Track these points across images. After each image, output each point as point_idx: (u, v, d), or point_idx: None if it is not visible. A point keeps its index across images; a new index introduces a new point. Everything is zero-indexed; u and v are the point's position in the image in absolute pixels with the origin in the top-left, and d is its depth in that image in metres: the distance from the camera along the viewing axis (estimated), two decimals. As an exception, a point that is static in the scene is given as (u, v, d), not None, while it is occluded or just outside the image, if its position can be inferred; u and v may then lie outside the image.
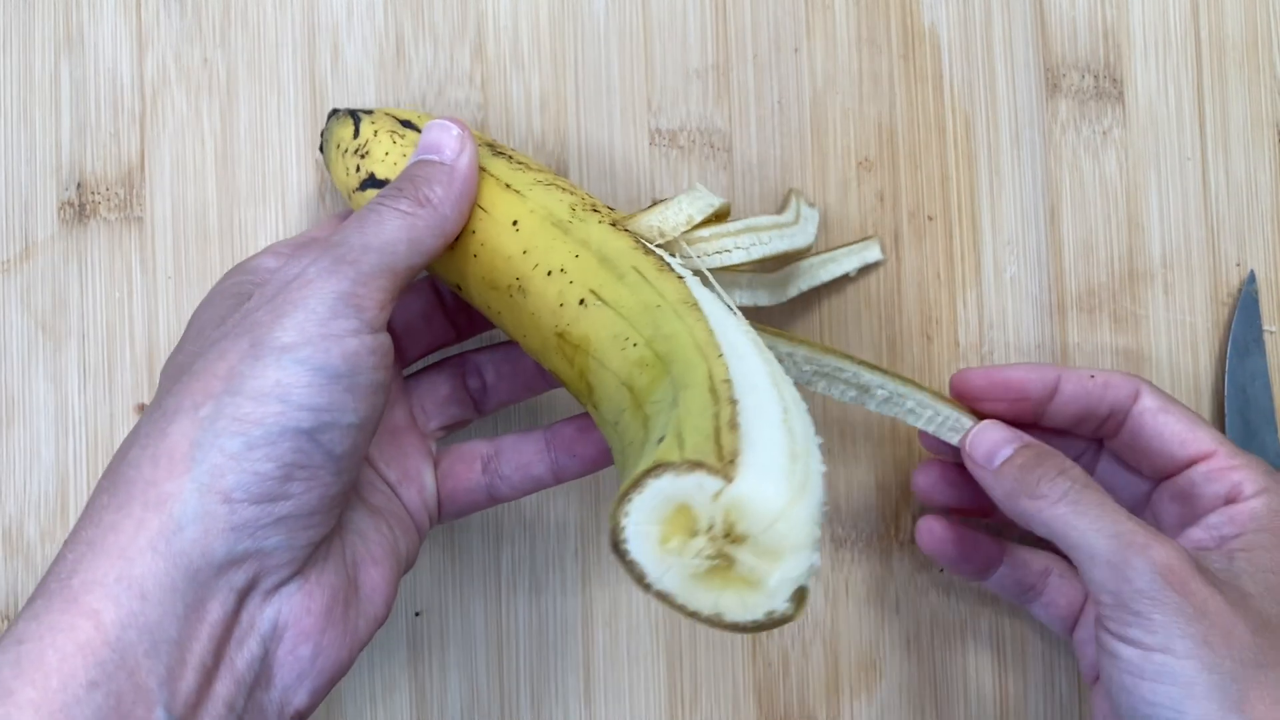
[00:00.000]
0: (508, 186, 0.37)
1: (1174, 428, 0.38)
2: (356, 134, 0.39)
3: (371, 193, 0.38)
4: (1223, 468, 0.37)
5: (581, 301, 0.34)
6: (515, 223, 0.36)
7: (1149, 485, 0.40)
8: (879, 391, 0.38)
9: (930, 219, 0.45)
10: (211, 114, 0.45)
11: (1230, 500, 0.37)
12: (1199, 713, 0.32)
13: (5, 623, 0.44)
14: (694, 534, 0.25)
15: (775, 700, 0.44)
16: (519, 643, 0.44)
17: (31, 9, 0.45)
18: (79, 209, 0.45)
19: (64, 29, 0.45)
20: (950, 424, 0.39)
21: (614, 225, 0.36)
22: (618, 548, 0.25)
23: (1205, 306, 0.45)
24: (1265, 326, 0.45)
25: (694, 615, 0.26)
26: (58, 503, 0.44)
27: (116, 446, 0.44)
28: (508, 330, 0.37)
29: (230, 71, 0.45)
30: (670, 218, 0.37)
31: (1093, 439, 0.41)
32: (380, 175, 0.38)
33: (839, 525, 0.44)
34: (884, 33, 0.45)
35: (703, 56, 0.45)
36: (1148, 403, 0.38)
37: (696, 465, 0.25)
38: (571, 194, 0.37)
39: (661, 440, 0.26)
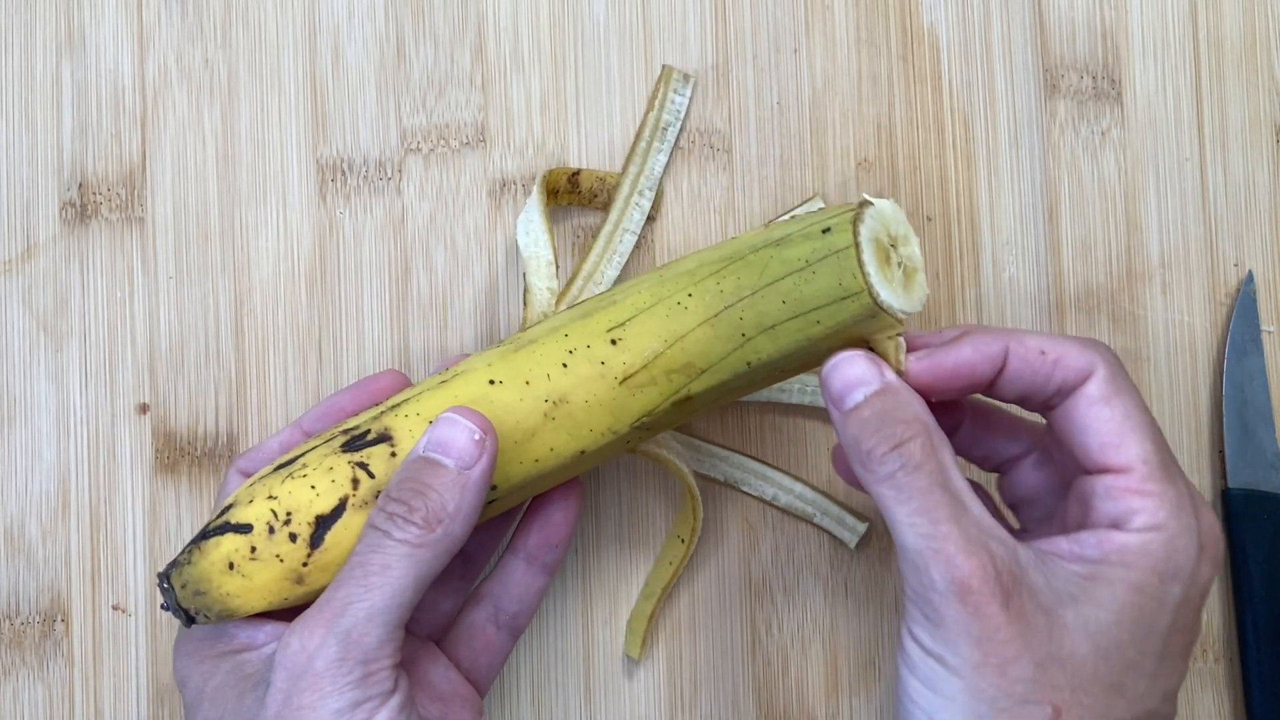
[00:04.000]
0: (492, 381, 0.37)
1: (1102, 427, 0.33)
2: (244, 529, 0.35)
3: (338, 538, 0.35)
4: (1127, 489, 0.33)
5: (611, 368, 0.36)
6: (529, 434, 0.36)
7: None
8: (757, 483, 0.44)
9: (929, 219, 0.45)
10: (212, 114, 0.45)
11: (1113, 526, 0.33)
12: None
13: (6, 623, 0.44)
14: (889, 253, 0.34)
15: (775, 699, 0.44)
16: (519, 643, 0.44)
17: (33, 10, 0.45)
18: (80, 209, 0.45)
19: (65, 30, 0.45)
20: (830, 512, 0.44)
21: (519, 350, 0.37)
22: (876, 299, 0.33)
23: (1203, 307, 0.45)
24: (1263, 326, 0.45)
25: (902, 315, 0.34)
26: (59, 502, 0.44)
27: (116, 446, 0.44)
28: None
29: (231, 72, 0.45)
30: (539, 306, 0.40)
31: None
32: (328, 510, 0.35)
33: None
34: (883, 34, 0.45)
35: (702, 57, 0.45)
36: (1091, 390, 0.33)
37: (865, 203, 0.34)
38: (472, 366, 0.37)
39: (827, 231, 0.34)
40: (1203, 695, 0.44)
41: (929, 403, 0.34)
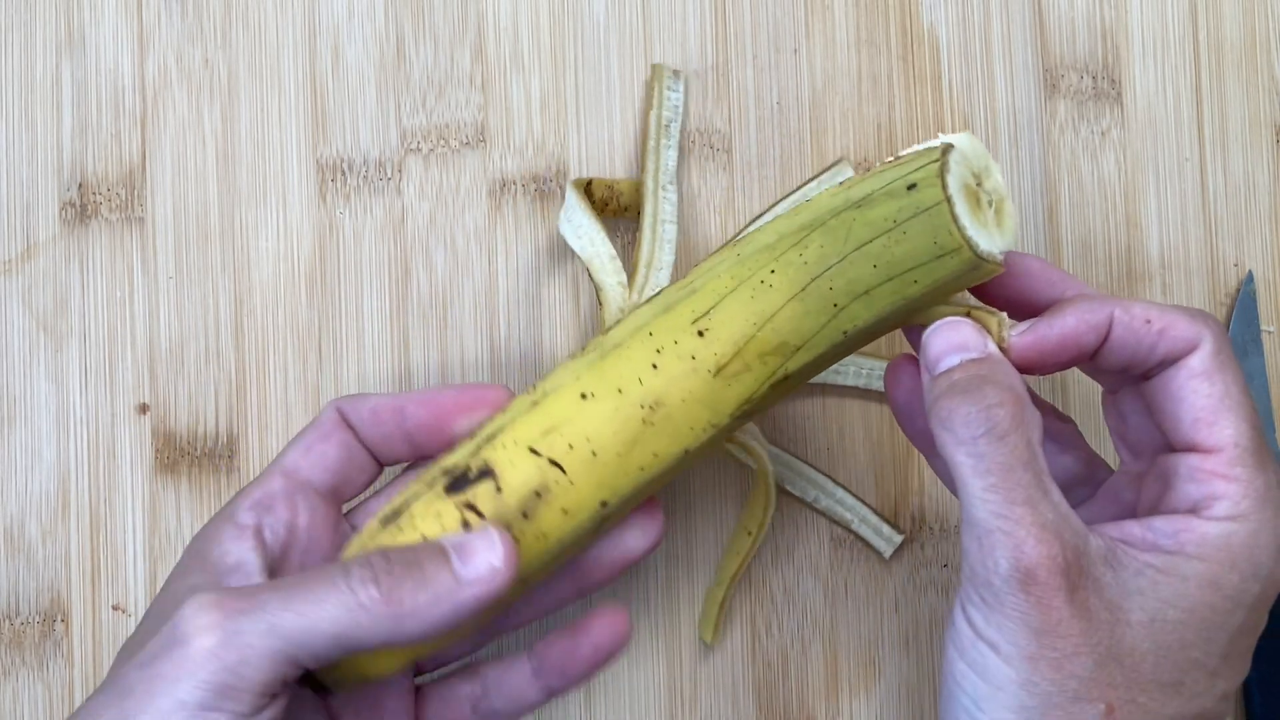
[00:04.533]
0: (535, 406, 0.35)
1: (1199, 402, 0.32)
2: None
3: None
4: (1214, 472, 0.31)
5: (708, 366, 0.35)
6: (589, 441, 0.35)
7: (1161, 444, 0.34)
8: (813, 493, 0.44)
9: (929, 219, 0.45)
10: (212, 115, 0.45)
11: (1193, 511, 0.31)
12: (992, 718, 0.30)
13: (6, 623, 0.44)
14: (977, 194, 0.33)
15: (775, 700, 0.44)
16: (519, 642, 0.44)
17: (33, 10, 0.45)
18: (80, 209, 0.45)
19: (65, 30, 0.45)
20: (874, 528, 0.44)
21: (604, 358, 0.36)
22: (976, 251, 0.32)
23: (1203, 306, 0.45)
24: (1263, 326, 0.45)
25: (1001, 256, 0.33)
26: (59, 502, 0.44)
27: (116, 446, 0.44)
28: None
29: (231, 72, 0.45)
30: (615, 302, 0.40)
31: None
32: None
33: (837, 525, 0.44)
34: (883, 34, 0.45)
35: (702, 57, 0.45)
36: (1194, 362, 0.32)
37: (946, 148, 0.33)
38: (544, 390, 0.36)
39: (913, 188, 0.33)
40: (1203, 695, 0.44)
41: None
